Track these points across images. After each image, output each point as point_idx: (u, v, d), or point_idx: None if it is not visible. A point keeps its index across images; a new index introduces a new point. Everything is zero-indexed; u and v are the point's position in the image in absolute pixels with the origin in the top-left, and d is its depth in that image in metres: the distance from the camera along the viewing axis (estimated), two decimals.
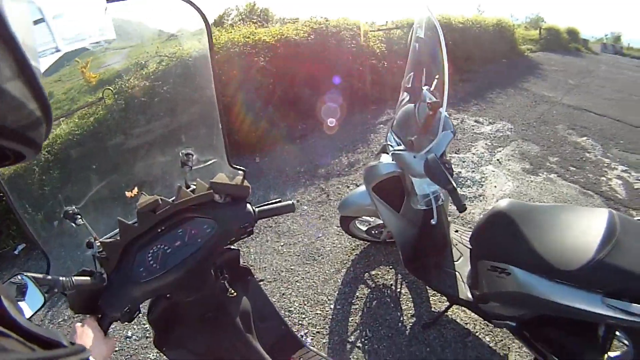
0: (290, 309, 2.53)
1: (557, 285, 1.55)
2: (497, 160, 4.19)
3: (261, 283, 2.76)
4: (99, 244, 1.01)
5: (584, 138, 4.84)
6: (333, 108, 4.76)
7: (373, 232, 2.79)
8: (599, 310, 1.43)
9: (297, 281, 2.70)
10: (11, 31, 0.27)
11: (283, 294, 2.63)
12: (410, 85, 2.10)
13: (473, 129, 4.94)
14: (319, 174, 3.87)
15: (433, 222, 1.98)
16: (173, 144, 1.39)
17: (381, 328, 2.42)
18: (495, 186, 3.69)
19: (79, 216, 1.04)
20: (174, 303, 1.15)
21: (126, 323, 1.26)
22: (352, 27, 5.48)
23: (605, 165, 4.25)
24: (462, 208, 1.68)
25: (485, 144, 4.52)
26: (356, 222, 2.72)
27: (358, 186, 3.57)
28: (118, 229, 1.04)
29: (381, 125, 4.72)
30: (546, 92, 6.58)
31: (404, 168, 2.01)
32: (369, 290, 2.65)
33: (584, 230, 1.61)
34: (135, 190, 1.18)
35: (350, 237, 2.91)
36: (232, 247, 1.29)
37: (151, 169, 1.54)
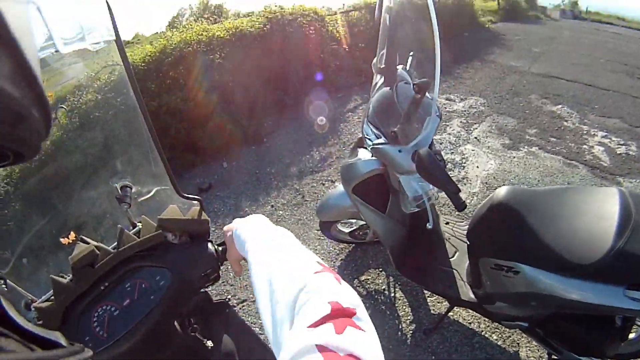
0: None
1: (573, 281, 1.36)
2: (475, 138, 4.02)
3: (244, 303, 2.51)
4: (34, 308, 0.82)
5: (559, 106, 4.77)
6: (298, 100, 4.48)
7: (357, 233, 2.54)
8: (620, 304, 1.27)
9: None
10: (10, 31, 0.26)
11: None
12: (383, 66, 1.80)
13: (445, 107, 4.75)
14: (291, 173, 3.60)
15: (429, 226, 1.75)
16: (106, 174, 1.16)
17: (380, 339, 2.19)
18: (477, 166, 3.52)
19: (2, 281, 0.84)
20: None
21: None
22: (308, 13, 5.18)
23: (585, 132, 4.17)
24: (461, 207, 1.44)
25: (460, 122, 4.34)
26: (337, 225, 2.47)
27: (333, 182, 3.34)
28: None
29: (349, 113, 4.47)
30: (513, 62, 6.48)
31: (388, 164, 1.74)
32: (361, 298, 2.41)
33: (596, 214, 1.41)
34: (72, 235, 0.97)
35: (332, 241, 2.66)
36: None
37: (87, 207, 1.29)
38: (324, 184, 3.40)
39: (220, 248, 0.95)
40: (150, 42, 4.75)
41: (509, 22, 10.16)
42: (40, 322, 0.81)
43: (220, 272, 0.96)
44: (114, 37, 0.73)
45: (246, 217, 0.76)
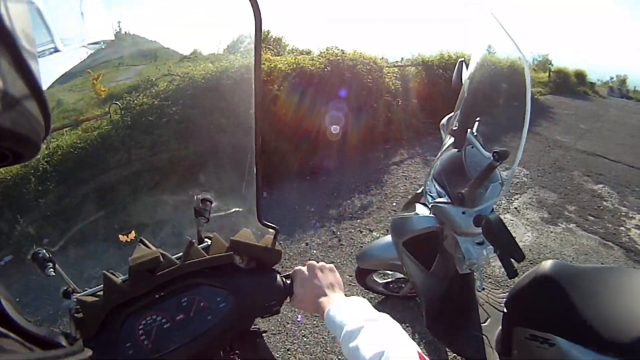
0: None
1: (608, 359, 1.36)
2: (515, 208, 4.04)
3: (264, 335, 2.51)
4: (76, 299, 0.78)
5: (600, 185, 4.72)
6: (347, 144, 4.62)
7: (392, 286, 2.57)
8: None
9: (303, 335, 2.48)
10: (10, 31, 0.27)
11: (288, 349, 2.41)
12: (455, 128, 1.86)
13: None
14: (330, 215, 3.69)
15: (479, 289, 1.78)
16: (187, 183, 1.18)
17: None
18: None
19: (51, 265, 0.79)
20: None
21: None
22: (368, 62, 5.38)
23: (623, 214, 4.11)
24: (513, 274, 1.47)
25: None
26: (373, 275, 2.51)
27: (371, 232, 3.42)
28: (102, 285, 0.79)
29: (394, 166, 4.58)
30: (559, 136, 6.50)
31: (447, 224, 1.77)
32: None
33: (637, 296, 1.45)
34: (133, 234, 0.97)
35: (364, 289, 2.71)
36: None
37: (155, 210, 1.31)
38: (361, 231, 3.46)
39: (288, 282, 0.91)
40: (211, 61, 4.96)
41: (558, 95, 10.21)
42: (79, 315, 0.76)
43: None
44: (113, 38, 0.76)
45: (342, 298, 0.78)
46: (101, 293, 0.78)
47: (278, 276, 0.91)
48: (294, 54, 6.50)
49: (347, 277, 2.92)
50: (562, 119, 7.74)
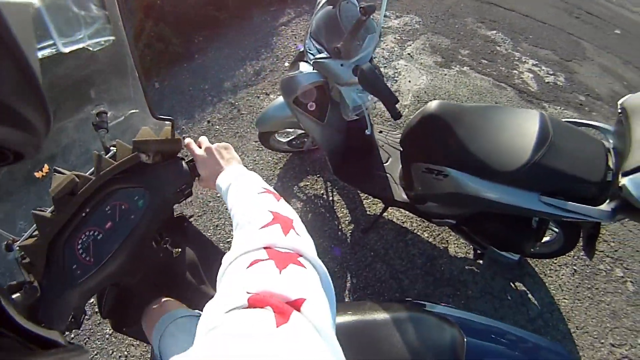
0: (228, 239, 2.38)
1: (496, 185, 1.58)
2: (409, 54, 4.06)
3: (192, 219, 2.49)
4: (18, 247, 0.81)
5: (494, 31, 4.87)
6: (228, 14, 4.21)
7: (295, 142, 2.60)
8: (536, 207, 1.52)
9: (226, 209, 2.47)
10: (11, 31, 0.26)
11: (217, 226, 2.45)
12: None
13: None
14: (226, 88, 3.48)
15: (368, 132, 1.92)
16: (78, 101, 1.09)
17: (322, 240, 2.35)
18: (409, 81, 3.61)
19: None
20: (122, 287, 1.00)
21: None
22: None
23: (516, 58, 4.34)
24: (397, 116, 1.59)
25: (395, 38, 4.32)
26: (276, 135, 2.52)
27: (268, 95, 3.31)
28: (35, 224, 0.82)
29: (283, 27, 4.28)
30: None
31: (330, 77, 1.84)
32: (302, 203, 2.53)
33: (518, 131, 1.61)
34: (46, 167, 0.94)
35: (270, 151, 2.70)
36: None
37: (59, 138, 1.21)
38: (258, 97, 3.34)
39: (191, 164, 0.97)
40: None
41: None
42: (27, 261, 0.80)
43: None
44: (114, 37, 0.74)
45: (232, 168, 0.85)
46: (37, 232, 0.82)
47: (183, 162, 0.97)
48: None
49: (253, 143, 2.88)
50: None
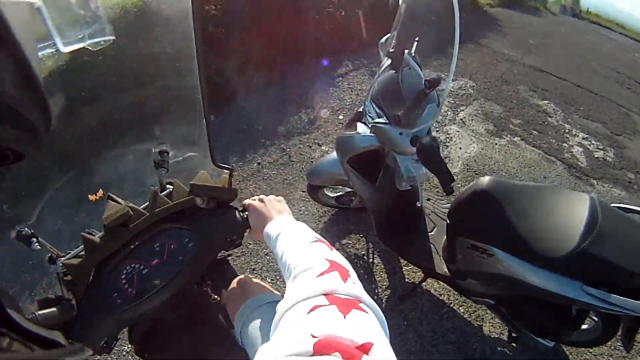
0: None
1: (539, 270, 1.54)
2: (461, 119, 4.09)
3: (229, 258, 2.52)
4: (62, 264, 0.83)
5: (546, 101, 4.86)
6: (289, 59, 4.37)
7: (343, 199, 2.63)
8: (578, 296, 1.47)
9: (266, 254, 2.51)
10: (11, 31, 0.26)
11: (253, 269, 2.45)
12: (392, 50, 1.86)
13: None
14: (279, 132, 3.58)
15: (419, 204, 1.89)
16: (142, 134, 1.16)
17: None
18: (460, 147, 3.61)
19: (35, 239, 0.82)
20: (155, 320, 1.01)
21: None
22: None
23: (567, 131, 4.30)
24: (449, 192, 1.59)
25: (449, 101, 4.38)
26: (324, 189, 2.55)
27: (320, 146, 3.37)
28: (82, 246, 0.84)
29: (340, 79, 4.40)
30: (507, 50, 6.47)
31: (386, 143, 1.84)
32: None
33: (567, 215, 1.58)
34: (100, 192, 0.98)
35: (317, 203, 2.74)
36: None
37: (117, 165, 1.29)
38: (310, 147, 3.41)
39: (245, 215, 0.99)
40: None
41: (508, 8, 10.05)
42: (69, 278, 0.82)
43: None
44: (114, 37, 0.71)
45: (275, 218, 0.87)
46: (83, 253, 0.84)
47: (236, 212, 0.99)
48: None
49: (301, 192, 2.92)
50: (510, 33, 7.65)
